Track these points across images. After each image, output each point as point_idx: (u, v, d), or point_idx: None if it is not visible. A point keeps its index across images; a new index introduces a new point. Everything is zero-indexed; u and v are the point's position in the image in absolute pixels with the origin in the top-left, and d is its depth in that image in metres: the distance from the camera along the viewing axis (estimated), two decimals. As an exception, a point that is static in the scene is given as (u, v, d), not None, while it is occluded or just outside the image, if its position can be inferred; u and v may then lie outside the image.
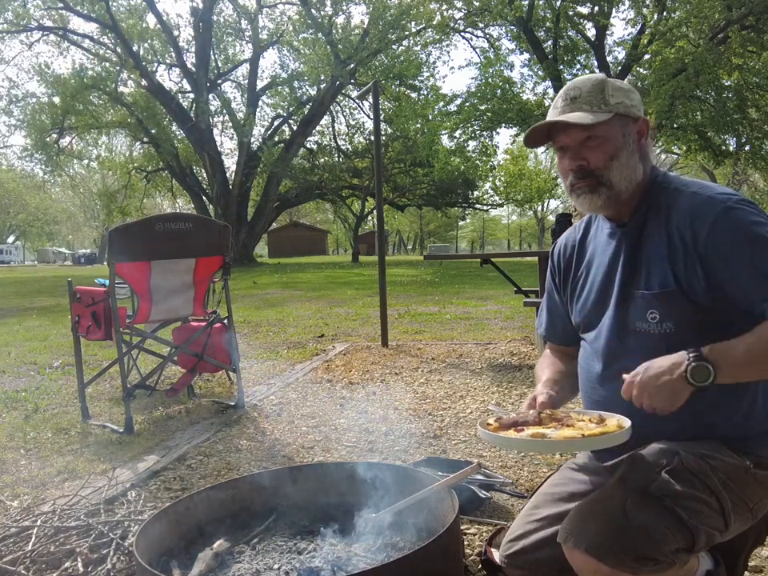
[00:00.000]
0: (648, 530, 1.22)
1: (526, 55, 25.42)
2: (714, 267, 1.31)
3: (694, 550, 1.27)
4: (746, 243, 1.29)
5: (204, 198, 29.38)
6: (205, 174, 29.33)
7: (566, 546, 1.27)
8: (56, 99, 26.74)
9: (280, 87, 30.54)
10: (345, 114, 32.97)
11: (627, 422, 1.29)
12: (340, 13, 26.58)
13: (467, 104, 25.33)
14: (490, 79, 24.83)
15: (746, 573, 1.63)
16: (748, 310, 1.30)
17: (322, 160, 34.53)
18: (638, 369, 1.29)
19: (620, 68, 24.00)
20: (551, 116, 1.45)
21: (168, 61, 28.82)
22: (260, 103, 31.12)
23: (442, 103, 26.99)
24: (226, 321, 3.95)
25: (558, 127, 1.44)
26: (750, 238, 1.29)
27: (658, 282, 1.37)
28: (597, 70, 24.42)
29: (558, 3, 23.04)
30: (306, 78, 28.02)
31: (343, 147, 34.34)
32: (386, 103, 27.59)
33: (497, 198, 39.39)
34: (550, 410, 1.42)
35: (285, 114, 31.43)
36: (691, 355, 1.24)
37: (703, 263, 1.32)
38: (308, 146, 32.91)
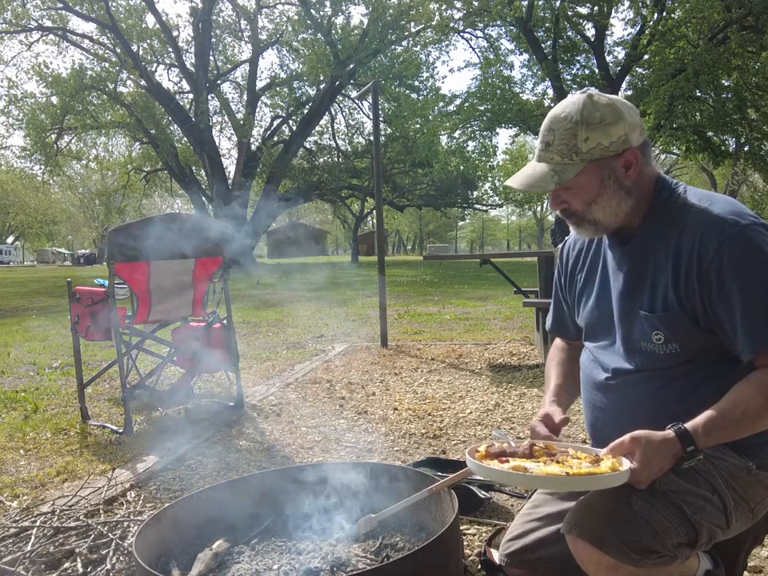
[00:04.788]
0: (652, 522, 1.22)
1: (526, 55, 25.44)
2: (711, 294, 1.30)
3: (696, 545, 1.28)
4: (746, 277, 1.26)
5: (203, 198, 29.35)
6: (204, 175, 29.29)
7: (569, 536, 1.27)
8: (55, 99, 26.71)
9: (279, 87, 30.54)
10: (344, 114, 33.01)
11: (625, 466, 1.22)
12: (339, 13, 26.52)
13: (467, 104, 25.33)
14: (489, 79, 24.84)
15: (745, 573, 1.63)
16: (730, 346, 1.30)
17: (322, 160, 34.52)
18: (632, 443, 1.25)
19: (619, 68, 24.01)
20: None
21: (167, 61, 28.78)
22: (259, 103, 31.10)
23: (441, 103, 27.00)
24: (225, 321, 3.95)
25: None
26: (753, 269, 1.26)
27: (662, 304, 1.36)
28: (596, 70, 24.44)
29: (558, 3, 23.05)
30: (305, 78, 28.00)
31: (342, 147, 34.35)
32: (386, 103, 27.57)
33: (496, 198, 39.37)
34: (546, 442, 1.39)
35: (284, 115, 31.43)
36: (688, 450, 1.23)
37: (702, 288, 1.30)
38: (307, 146, 32.90)
